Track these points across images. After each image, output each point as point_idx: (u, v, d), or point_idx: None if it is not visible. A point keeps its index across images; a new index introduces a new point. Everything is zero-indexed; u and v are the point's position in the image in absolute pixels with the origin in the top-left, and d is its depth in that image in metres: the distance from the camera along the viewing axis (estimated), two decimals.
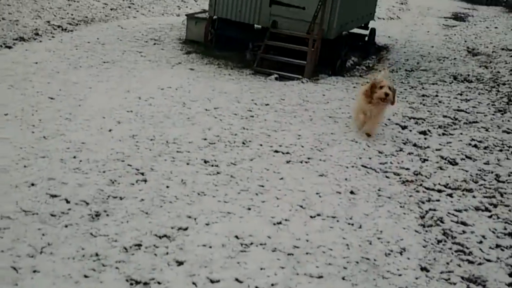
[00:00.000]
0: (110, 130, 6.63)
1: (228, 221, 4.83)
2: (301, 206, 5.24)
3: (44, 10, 13.18)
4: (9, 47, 9.97)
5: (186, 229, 4.63)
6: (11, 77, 8.23)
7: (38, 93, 7.68)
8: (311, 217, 5.06)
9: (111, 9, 15.40)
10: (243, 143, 6.75)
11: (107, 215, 4.71)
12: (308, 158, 6.45)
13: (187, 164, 5.93)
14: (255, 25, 12.00)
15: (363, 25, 14.32)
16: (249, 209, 5.09)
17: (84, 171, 5.44)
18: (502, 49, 15.65)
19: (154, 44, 11.96)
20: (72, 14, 13.56)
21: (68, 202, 4.83)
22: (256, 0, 11.42)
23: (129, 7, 16.36)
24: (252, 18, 11.63)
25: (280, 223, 4.89)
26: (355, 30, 13.74)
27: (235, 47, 11.81)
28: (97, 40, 11.51)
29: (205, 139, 6.70)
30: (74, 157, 5.74)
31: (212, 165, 5.98)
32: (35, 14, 12.56)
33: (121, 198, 5.01)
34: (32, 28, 11.40)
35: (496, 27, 20.38)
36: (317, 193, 5.54)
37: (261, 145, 6.74)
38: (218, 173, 5.80)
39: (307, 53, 10.62)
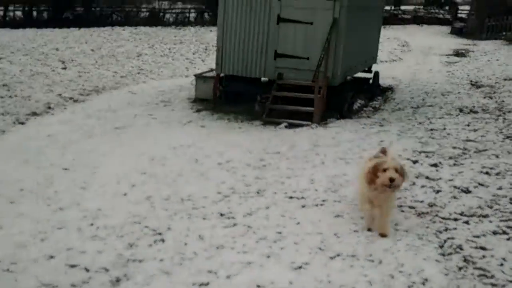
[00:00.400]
0: (125, 194, 6.73)
1: (249, 271, 4.86)
2: (320, 248, 5.26)
3: (55, 83, 13.57)
4: (22, 123, 10.21)
5: (207, 284, 4.65)
6: (25, 152, 8.39)
7: (52, 166, 7.83)
8: (330, 258, 5.08)
9: (121, 77, 15.82)
10: (258, 192, 6.83)
11: (128, 279, 4.74)
12: (323, 201, 6.51)
13: (204, 219, 6.00)
14: (262, 78, 12.26)
15: (366, 69, 14.62)
16: (269, 256, 5.11)
17: (102, 238, 5.50)
18: (505, 79, 15.76)
19: (165, 105, 12.23)
20: (83, 85, 13.94)
21: (87, 270, 4.86)
22: (261, 55, 11.75)
23: (139, 73, 16.80)
24: (258, 72, 11.93)
25: (300, 267, 4.91)
26: (360, 74, 14.02)
27: (243, 101, 12.02)
28: (109, 107, 11.81)
29: (219, 193, 6.78)
30: (91, 225, 5.80)
31: (229, 218, 6.04)
32: (47, 88, 12.93)
33: (140, 261, 5.04)
34: (44, 102, 11.70)
35: (497, 60, 20.57)
36: (334, 234, 5.56)
37: (275, 193, 6.81)
38: (235, 224, 5.85)
39: (314, 100, 10.81)
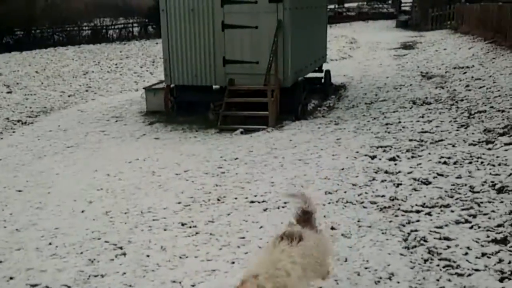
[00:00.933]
0: (82, 211, 6.54)
1: (214, 278, 4.76)
2: None
3: (2, 108, 13.24)
4: None
5: None
6: None
7: (5, 188, 7.58)
8: None
9: (69, 96, 15.52)
10: (218, 199, 6.72)
11: None
12: (285, 203, 6.42)
13: (165, 230, 5.86)
14: (214, 86, 12.16)
15: (317, 68, 14.69)
16: (233, 262, 5.02)
17: (61, 256, 5.33)
18: (454, 68, 16.07)
19: (116, 121, 12.01)
20: (30, 107, 13.64)
21: None
22: (210, 63, 11.71)
23: (87, 90, 16.50)
24: (208, 80, 11.87)
25: None
26: (311, 75, 14.07)
27: (197, 110, 11.95)
28: (59, 127, 11.54)
29: (179, 203, 6.65)
30: (50, 244, 5.62)
31: (190, 227, 5.92)
32: None
33: (102, 276, 4.90)
34: None
35: (445, 49, 20.98)
36: None
37: (236, 198, 6.72)
38: (197, 233, 5.73)
39: (268, 103, 10.78)
